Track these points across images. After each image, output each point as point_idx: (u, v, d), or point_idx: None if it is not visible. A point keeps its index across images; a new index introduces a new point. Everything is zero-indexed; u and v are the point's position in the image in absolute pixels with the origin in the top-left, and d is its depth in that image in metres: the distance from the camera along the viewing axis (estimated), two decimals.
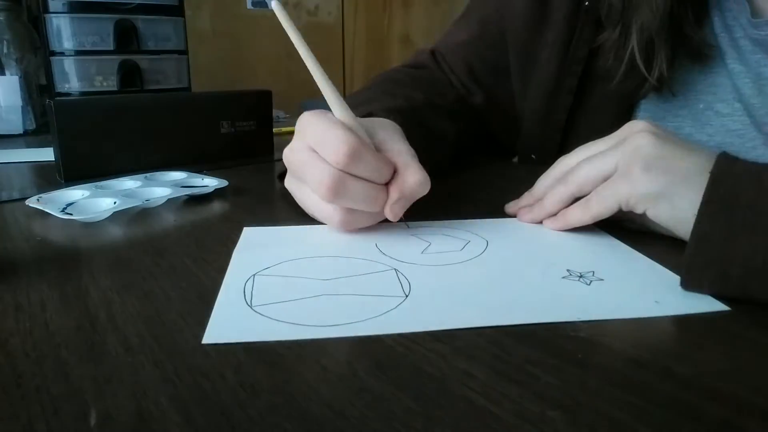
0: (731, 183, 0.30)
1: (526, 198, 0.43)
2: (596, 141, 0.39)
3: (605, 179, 0.36)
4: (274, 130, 0.97)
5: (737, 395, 0.21)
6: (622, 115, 0.53)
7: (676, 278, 0.30)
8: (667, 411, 0.20)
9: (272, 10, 0.38)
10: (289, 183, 0.40)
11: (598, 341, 0.24)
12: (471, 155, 0.66)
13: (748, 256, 0.28)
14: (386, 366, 0.22)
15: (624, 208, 0.35)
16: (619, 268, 0.33)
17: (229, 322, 0.26)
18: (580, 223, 0.38)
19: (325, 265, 0.33)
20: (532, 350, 0.24)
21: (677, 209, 0.33)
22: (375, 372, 0.22)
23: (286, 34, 0.37)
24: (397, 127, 0.41)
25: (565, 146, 0.56)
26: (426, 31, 2.31)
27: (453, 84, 0.64)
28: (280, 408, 0.20)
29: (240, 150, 0.68)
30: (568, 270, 0.33)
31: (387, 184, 0.37)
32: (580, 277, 0.32)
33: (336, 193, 0.34)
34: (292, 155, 0.37)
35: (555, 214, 0.39)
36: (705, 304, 0.28)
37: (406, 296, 0.29)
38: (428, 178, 0.36)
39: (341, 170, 0.34)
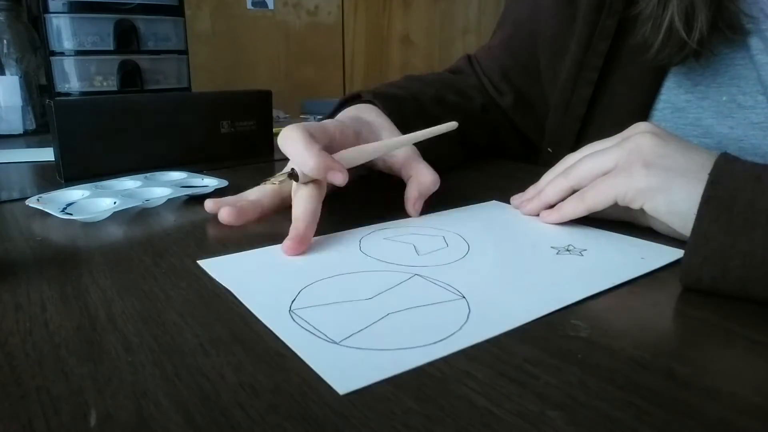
0: (730, 182, 0.30)
1: (531, 191, 0.44)
2: (601, 140, 0.40)
3: (605, 174, 0.37)
4: (274, 130, 0.97)
5: (737, 395, 0.21)
6: (643, 106, 0.53)
7: (647, 242, 0.34)
8: (667, 411, 0.20)
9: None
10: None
11: (598, 341, 0.24)
12: (502, 155, 0.68)
13: (746, 254, 0.28)
14: None
15: (621, 203, 0.36)
16: (593, 240, 0.36)
17: (342, 365, 0.22)
18: (575, 214, 0.38)
19: (346, 285, 0.30)
20: (532, 350, 0.24)
21: (674, 203, 0.34)
22: None
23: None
24: (383, 122, 0.46)
25: (582, 139, 0.57)
26: (426, 31, 2.31)
27: (485, 87, 0.67)
28: (280, 408, 0.20)
29: (240, 150, 0.68)
30: (552, 247, 0.35)
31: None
32: (568, 250, 0.34)
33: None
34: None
35: (553, 206, 0.40)
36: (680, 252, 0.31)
37: (464, 297, 0.29)
38: (437, 174, 0.42)
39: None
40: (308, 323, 0.26)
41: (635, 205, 0.35)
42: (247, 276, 0.31)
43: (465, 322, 0.26)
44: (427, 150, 0.46)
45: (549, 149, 0.62)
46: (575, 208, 0.38)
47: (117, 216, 0.43)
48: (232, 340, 0.24)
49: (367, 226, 0.40)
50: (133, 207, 0.44)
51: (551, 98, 0.62)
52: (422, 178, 0.42)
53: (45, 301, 0.28)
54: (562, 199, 0.40)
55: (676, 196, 0.33)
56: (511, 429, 0.19)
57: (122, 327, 0.26)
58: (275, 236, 0.36)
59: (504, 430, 0.19)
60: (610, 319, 0.27)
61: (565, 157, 0.43)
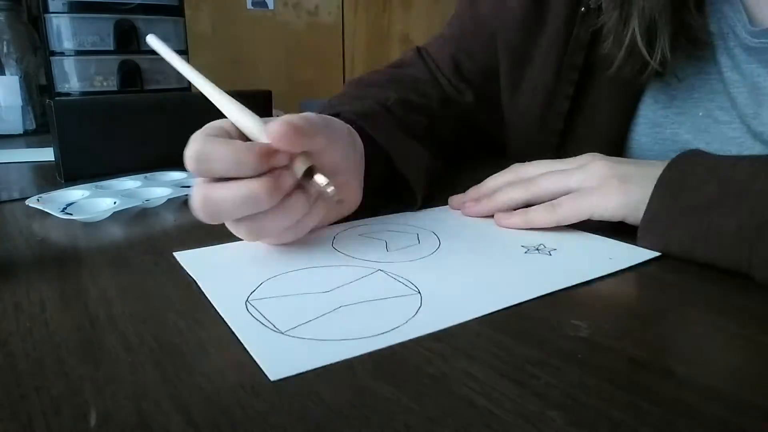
0: (683, 167, 0.34)
1: (473, 192, 0.44)
2: (554, 160, 0.42)
3: (562, 195, 0.39)
4: None
5: (737, 395, 0.21)
6: (621, 121, 0.53)
7: (618, 242, 0.36)
8: (667, 411, 0.20)
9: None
10: None
11: (598, 341, 0.24)
12: (466, 153, 0.65)
13: (680, 240, 0.33)
14: (386, 366, 0.22)
15: (594, 218, 0.38)
16: (565, 241, 0.37)
17: (280, 353, 0.23)
18: (543, 224, 0.39)
19: (307, 278, 0.31)
20: (532, 350, 0.24)
21: (636, 207, 0.36)
22: (375, 372, 0.22)
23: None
24: (332, 119, 0.38)
25: (561, 153, 0.56)
26: (426, 31, 2.31)
27: (439, 82, 0.63)
28: (281, 408, 0.20)
29: None
30: (522, 246, 0.36)
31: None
32: (538, 250, 0.35)
33: (206, 212, 0.31)
34: None
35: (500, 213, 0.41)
36: (650, 253, 0.34)
37: (419, 293, 0.29)
38: (294, 118, 0.31)
39: (202, 180, 0.31)
40: (260, 314, 0.27)
41: (614, 220, 0.37)
42: (216, 268, 0.33)
43: (413, 316, 0.27)
44: (410, 169, 0.44)
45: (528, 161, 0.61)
46: (544, 217, 0.39)
47: (117, 216, 0.43)
48: (232, 340, 0.24)
49: (349, 222, 0.41)
50: (133, 207, 0.44)
51: (508, 106, 0.61)
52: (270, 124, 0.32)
53: (45, 301, 0.28)
54: (513, 209, 0.41)
55: (632, 198, 0.36)
56: (511, 429, 0.19)
57: (122, 327, 0.26)
58: None
59: (504, 430, 0.19)
60: (610, 319, 0.27)
61: (514, 166, 0.44)
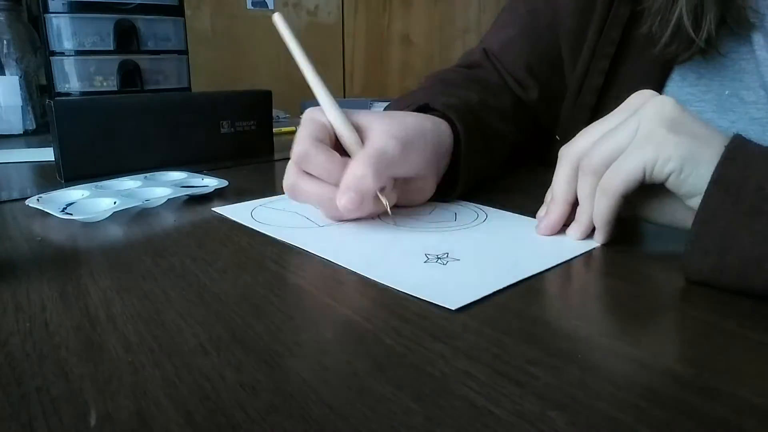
0: (743, 162, 0.29)
1: (555, 209, 0.38)
2: (600, 121, 0.37)
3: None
4: (274, 130, 0.96)
5: (737, 395, 0.21)
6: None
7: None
8: (667, 411, 0.20)
9: (272, 11, 0.40)
10: None
11: (598, 341, 0.24)
12: (530, 155, 0.65)
13: (746, 246, 0.27)
14: (386, 366, 0.22)
15: (647, 177, 0.32)
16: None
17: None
18: (604, 214, 0.34)
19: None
20: (532, 350, 0.24)
21: (700, 177, 0.31)
22: (375, 372, 0.22)
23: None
24: (415, 119, 0.43)
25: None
26: (426, 31, 2.31)
27: (508, 84, 0.63)
28: (280, 408, 0.20)
29: (240, 150, 0.68)
30: (427, 254, 0.35)
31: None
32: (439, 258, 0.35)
33: (290, 191, 0.40)
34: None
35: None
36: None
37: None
38: (369, 173, 0.37)
39: (298, 168, 0.39)
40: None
41: (660, 178, 0.32)
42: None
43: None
44: (470, 170, 0.46)
45: (557, 137, 0.61)
46: (600, 206, 0.34)
47: (117, 216, 0.43)
48: (232, 340, 0.24)
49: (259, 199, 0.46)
50: (133, 207, 0.44)
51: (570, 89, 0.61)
52: (350, 169, 0.38)
53: (45, 301, 0.28)
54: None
55: (702, 171, 0.30)
56: (511, 429, 0.19)
57: (122, 327, 0.26)
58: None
59: (504, 430, 0.19)
60: (610, 319, 0.27)
61: (566, 147, 0.38)
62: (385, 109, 0.60)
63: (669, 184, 0.32)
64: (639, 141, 0.33)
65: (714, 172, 0.29)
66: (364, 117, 0.41)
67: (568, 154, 0.37)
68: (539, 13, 0.62)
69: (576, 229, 0.37)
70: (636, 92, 0.36)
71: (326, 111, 0.41)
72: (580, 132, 0.37)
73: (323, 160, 0.38)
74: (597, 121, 0.37)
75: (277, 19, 0.43)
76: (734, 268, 0.28)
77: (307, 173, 0.39)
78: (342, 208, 0.38)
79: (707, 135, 0.32)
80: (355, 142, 0.40)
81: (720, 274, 0.28)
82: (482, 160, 0.48)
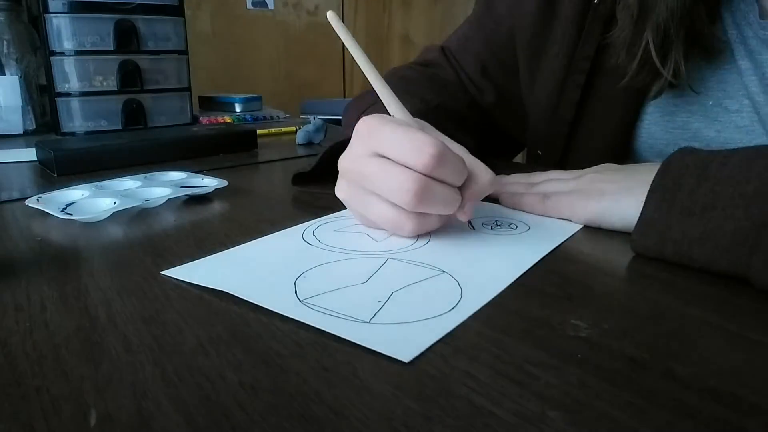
0: (677, 170, 0.34)
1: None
2: (563, 171, 0.46)
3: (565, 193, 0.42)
4: (274, 130, 0.97)
5: (737, 395, 0.21)
6: (631, 110, 0.53)
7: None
8: (667, 411, 0.20)
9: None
10: (347, 192, 0.38)
11: (598, 341, 0.24)
12: (484, 156, 0.65)
13: (677, 242, 0.32)
14: (386, 366, 0.22)
15: (573, 220, 0.41)
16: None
17: (391, 339, 0.24)
18: (531, 211, 0.43)
19: (338, 272, 0.32)
20: (532, 350, 0.24)
21: (626, 218, 0.37)
22: (375, 372, 0.22)
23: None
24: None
25: (572, 142, 0.56)
26: (426, 31, 2.31)
27: (464, 83, 0.64)
28: (280, 408, 0.20)
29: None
30: (483, 224, 0.40)
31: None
32: (499, 225, 0.41)
33: (421, 199, 0.33)
34: (355, 164, 0.36)
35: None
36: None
37: (445, 272, 0.32)
38: (495, 176, 0.38)
39: (426, 175, 0.33)
40: (328, 309, 0.27)
41: (593, 225, 0.40)
42: (231, 276, 0.31)
43: (461, 293, 0.29)
44: None
45: (539, 152, 0.61)
46: (533, 207, 0.43)
47: (117, 216, 0.43)
48: (232, 340, 0.24)
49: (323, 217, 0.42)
50: (133, 207, 0.44)
51: (528, 99, 0.61)
52: (480, 177, 0.37)
53: (45, 301, 0.28)
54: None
55: (626, 213, 0.37)
56: (511, 429, 0.19)
57: (122, 327, 0.26)
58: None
59: (504, 430, 0.19)
60: (610, 319, 0.27)
61: (531, 174, 0.47)
62: (347, 107, 0.60)
63: (605, 228, 0.39)
64: (575, 194, 0.41)
65: (652, 183, 0.34)
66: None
67: (529, 176, 0.47)
68: (500, 21, 0.62)
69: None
70: (596, 166, 0.44)
71: (398, 116, 0.38)
72: (549, 171, 0.46)
73: (458, 161, 0.35)
74: (561, 171, 0.46)
75: (332, 17, 0.41)
76: (671, 258, 0.33)
77: (433, 179, 0.34)
78: (466, 214, 0.37)
79: (629, 185, 0.38)
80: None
81: (663, 260, 0.34)
82: None
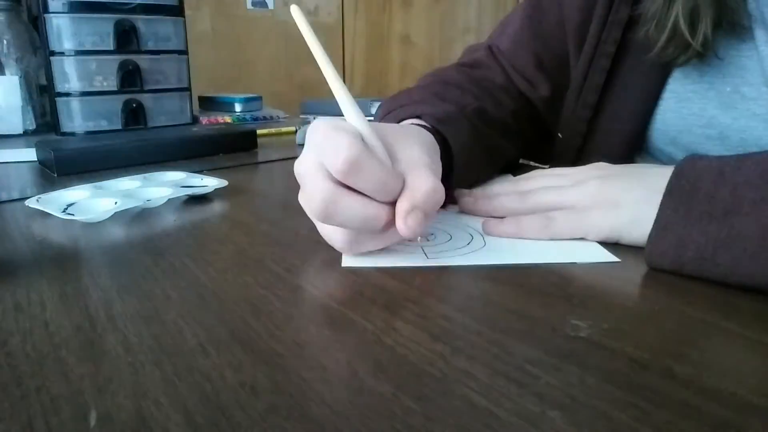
0: (692, 175, 0.33)
1: (478, 193, 0.45)
2: (554, 172, 0.45)
3: (556, 210, 0.39)
4: (274, 130, 0.97)
5: (737, 395, 0.21)
6: (649, 96, 0.53)
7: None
8: (667, 411, 0.20)
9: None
10: (300, 199, 0.34)
11: (598, 341, 0.24)
12: (535, 153, 0.65)
13: (699, 246, 0.31)
14: (386, 366, 0.22)
15: (588, 238, 0.38)
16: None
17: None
18: (536, 237, 0.39)
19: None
20: (532, 350, 0.24)
21: (628, 228, 0.36)
22: (375, 372, 0.22)
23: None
24: (423, 137, 0.38)
25: (592, 127, 0.56)
26: (426, 31, 2.31)
27: (513, 83, 0.62)
28: (280, 408, 0.20)
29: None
30: None
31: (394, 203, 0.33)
32: None
33: (325, 211, 0.30)
34: (298, 166, 0.33)
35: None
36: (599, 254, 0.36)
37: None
38: (441, 185, 0.32)
39: (339, 182, 0.31)
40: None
41: (609, 241, 0.37)
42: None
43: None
44: (463, 179, 0.46)
45: (559, 134, 0.61)
46: (538, 231, 0.39)
47: (117, 216, 0.43)
48: (232, 340, 0.24)
49: None
50: (133, 207, 0.44)
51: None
52: (418, 184, 0.32)
53: (45, 301, 0.28)
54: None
55: (646, 226, 0.34)
56: (511, 429, 0.19)
57: (122, 327, 0.26)
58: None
59: (504, 430, 0.19)
60: (610, 319, 0.27)
61: (517, 178, 0.46)
62: (379, 108, 0.60)
63: (627, 243, 0.37)
64: (584, 207, 0.39)
65: (666, 187, 0.33)
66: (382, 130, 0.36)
67: (518, 183, 0.45)
68: (546, 10, 0.61)
69: (469, 206, 0.44)
70: (590, 165, 0.43)
71: (353, 120, 0.34)
72: (537, 173, 0.45)
73: (379, 170, 0.31)
74: (551, 172, 0.44)
75: (295, 11, 0.36)
76: (690, 267, 0.31)
77: (348, 188, 0.31)
78: (407, 229, 0.31)
79: (645, 195, 0.36)
80: (387, 158, 0.33)
81: (678, 268, 0.32)
82: (472, 173, 0.48)
